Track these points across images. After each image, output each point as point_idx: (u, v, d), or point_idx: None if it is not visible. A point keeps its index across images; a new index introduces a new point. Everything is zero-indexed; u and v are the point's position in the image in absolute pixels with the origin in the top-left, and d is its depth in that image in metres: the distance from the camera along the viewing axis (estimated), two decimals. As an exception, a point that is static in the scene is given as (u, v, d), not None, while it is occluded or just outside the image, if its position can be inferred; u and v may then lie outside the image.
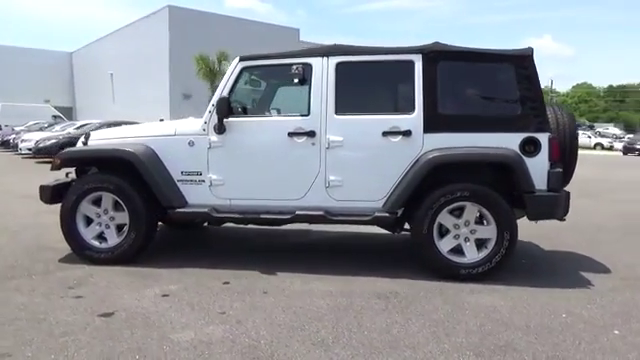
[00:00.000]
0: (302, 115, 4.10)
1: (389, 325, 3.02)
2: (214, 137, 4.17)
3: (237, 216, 4.19)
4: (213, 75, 23.28)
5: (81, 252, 4.29)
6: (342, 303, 3.38)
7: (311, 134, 4.04)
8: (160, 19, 27.95)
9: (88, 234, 4.32)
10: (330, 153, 4.04)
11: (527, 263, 4.51)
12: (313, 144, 4.06)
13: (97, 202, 4.31)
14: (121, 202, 4.22)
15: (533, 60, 3.96)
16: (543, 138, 3.88)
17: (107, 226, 4.31)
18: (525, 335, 2.90)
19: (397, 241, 5.36)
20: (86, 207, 4.30)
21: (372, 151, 4.03)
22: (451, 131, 3.93)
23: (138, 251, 4.26)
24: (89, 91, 36.64)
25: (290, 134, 4.08)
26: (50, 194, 4.32)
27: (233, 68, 4.22)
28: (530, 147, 3.88)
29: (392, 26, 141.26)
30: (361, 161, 4.04)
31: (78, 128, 18.04)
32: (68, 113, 32.94)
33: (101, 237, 4.33)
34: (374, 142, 4.01)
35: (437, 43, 4.05)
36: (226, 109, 4.02)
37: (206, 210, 4.17)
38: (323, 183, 4.07)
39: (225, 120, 4.12)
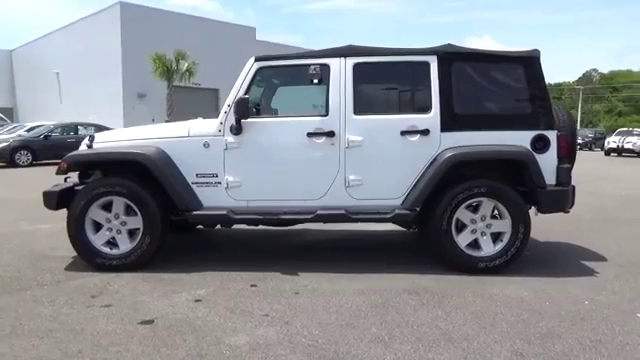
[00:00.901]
0: (321, 115, 4.12)
1: (434, 319, 3.10)
2: (230, 138, 4.12)
3: (256, 217, 4.15)
4: (170, 74, 22.69)
5: (91, 260, 4.12)
6: (378, 300, 3.43)
7: (330, 134, 4.07)
8: (111, 16, 26.90)
9: (98, 240, 4.15)
10: (349, 153, 4.08)
11: (530, 255, 4.73)
12: (332, 144, 4.09)
13: (106, 207, 4.15)
14: (134, 206, 4.08)
15: (540, 61, 4.17)
16: (552, 135, 4.10)
17: (118, 231, 4.16)
18: (561, 322, 3.07)
19: (400, 237, 5.49)
20: (95, 212, 4.13)
21: (391, 150, 4.11)
22: (466, 130, 4.07)
23: (152, 256, 4.14)
24: (32, 91, 34.73)
25: (309, 134, 4.09)
26: (56, 200, 4.12)
27: (248, 68, 4.18)
28: (540, 144, 4.08)
29: (340, 26, 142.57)
30: (380, 160, 4.11)
31: (29, 130, 17.12)
32: (8, 114, 31.11)
33: (111, 243, 4.18)
34: (393, 141, 4.09)
35: (450, 45, 4.18)
36: (246, 110, 3.97)
37: (224, 212, 4.11)
38: (343, 182, 4.11)
39: (243, 121, 4.07)
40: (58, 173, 4.19)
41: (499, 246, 4.08)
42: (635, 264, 4.44)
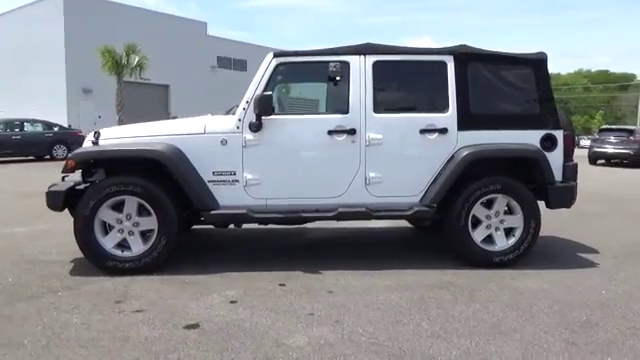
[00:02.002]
0: (341, 113, 4.11)
1: (475, 313, 3.18)
2: (249, 135, 4.02)
3: (277, 216, 4.08)
4: (120, 69, 21.68)
5: (102, 263, 3.90)
6: (413, 297, 3.47)
7: (352, 132, 4.07)
8: (53, 5, 25.29)
9: (108, 243, 3.93)
10: (370, 150, 4.10)
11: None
12: (353, 142, 4.09)
13: (116, 207, 3.94)
14: (149, 206, 3.90)
15: (547, 64, 4.37)
16: (559, 135, 4.31)
17: (130, 233, 3.96)
18: (592, 312, 3.23)
19: (399, 234, 5.58)
20: (105, 213, 3.91)
21: (410, 148, 4.17)
22: (481, 129, 4.19)
23: (167, 258, 3.97)
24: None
25: (330, 132, 4.07)
26: (63, 200, 3.86)
27: (267, 64, 4.09)
28: (548, 143, 4.28)
29: (283, 23, 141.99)
30: (399, 158, 4.16)
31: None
32: None
33: (122, 245, 3.97)
34: (412, 139, 4.15)
35: (465, 45, 4.29)
36: (269, 107, 3.89)
37: (244, 211, 4.01)
38: (363, 180, 4.12)
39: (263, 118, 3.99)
40: (65, 171, 3.93)
41: (512, 240, 4.24)
42: (626, 255, 4.74)
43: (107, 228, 4.00)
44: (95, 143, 4.04)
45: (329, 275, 3.92)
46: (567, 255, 4.74)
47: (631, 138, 17.96)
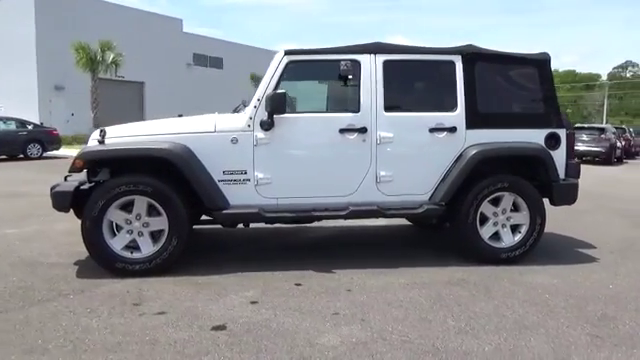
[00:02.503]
0: (352, 112, 4.11)
1: (496, 309, 3.23)
2: (260, 134, 3.98)
3: (288, 215, 4.06)
4: (95, 65, 21.15)
5: (110, 265, 3.80)
6: (431, 294, 3.50)
7: (363, 130, 4.07)
8: (24, 0, 24.53)
9: (117, 244, 3.84)
10: (380, 149, 4.12)
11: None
12: (364, 140, 4.09)
13: (124, 207, 3.85)
14: (159, 206, 3.82)
15: (550, 64, 4.47)
16: (562, 133, 4.41)
17: (140, 233, 3.87)
18: (606, 306, 3.32)
19: (395, 232, 5.62)
20: (114, 213, 3.81)
21: (420, 147, 4.20)
22: (488, 127, 4.26)
23: (177, 259, 3.90)
24: None
25: (342, 130, 4.06)
26: (70, 200, 3.74)
27: (278, 62, 4.05)
28: (552, 141, 4.38)
29: (255, 21, 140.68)
30: (410, 156, 4.18)
31: None
32: None
33: (130, 247, 3.88)
34: (422, 138, 4.19)
35: (472, 45, 4.35)
36: (283, 105, 3.86)
37: (256, 210, 3.97)
38: (374, 178, 4.14)
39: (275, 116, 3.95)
40: (72, 171, 3.81)
41: (518, 237, 4.32)
42: (621, 250, 4.89)
43: (115, 229, 3.91)
44: (101, 142, 3.93)
45: (342, 274, 3.92)
46: (567, 251, 4.85)
47: (602, 136, 18.53)
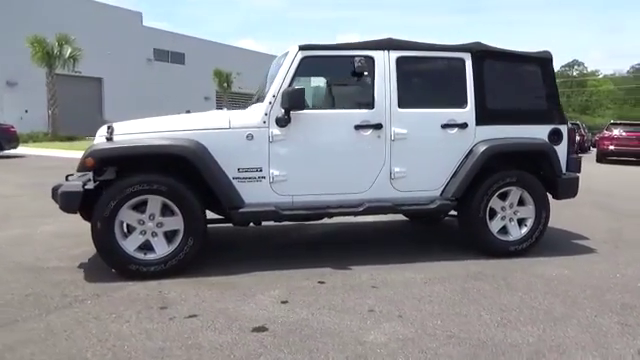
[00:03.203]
0: (367, 108, 4.10)
1: (522, 301, 3.30)
2: (276, 130, 3.91)
3: (305, 212, 4.02)
4: (52, 60, 20.21)
5: (124, 268, 3.65)
6: (455, 288, 3.55)
7: (378, 127, 4.07)
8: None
9: (129, 246, 3.68)
10: (394, 145, 4.13)
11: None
12: (379, 137, 4.10)
13: (137, 207, 3.69)
14: (174, 206, 3.69)
15: (553, 62, 4.60)
16: (564, 129, 4.56)
17: (154, 234, 3.72)
18: (622, 294, 3.46)
19: (398, 227, 5.67)
20: (126, 214, 3.66)
21: (432, 143, 4.24)
22: (496, 124, 4.35)
23: (193, 259, 3.79)
24: None
25: (357, 127, 4.05)
26: (80, 201, 3.55)
27: (293, 58, 3.99)
28: (555, 137, 4.52)
29: (213, 15, 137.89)
30: (422, 152, 4.22)
31: None
32: None
33: (144, 248, 3.73)
34: (434, 134, 4.23)
35: (480, 43, 4.42)
36: (302, 101, 3.80)
37: (273, 208, 3.90)
38: (388, 175, 4.15)
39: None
40: (82, 170, 3.62)
41: (524, 230, 4.43)
42: (613, 240, 5.12)
43: (125, 230, 3.75)
44: (109, 139, 3.75)
45: (360, 270, 3.91)
46: (564, 243, 5.02)
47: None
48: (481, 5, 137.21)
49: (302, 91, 3.78)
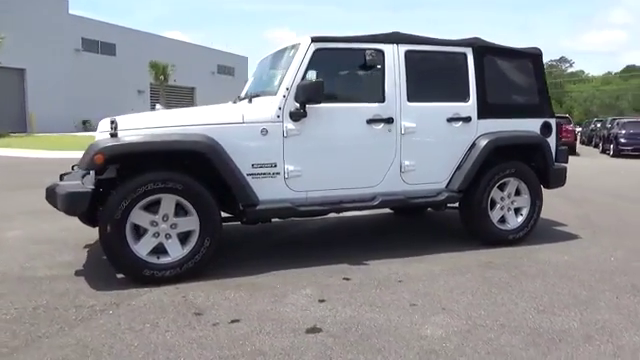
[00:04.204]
0: (377, 102, 4.08)
1: (544, 287, 3.43)
2: (290, 124, 3.80)
3: (320, 208, 3.94)
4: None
5: (138, 273, 3.40)
6: (477, 278, 3.62)
7: (389, 121, 4.07)
8: None
9: (142, 249, 3.43)
10: (404, 139, 4.15)
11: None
12: (389, 130, 4.10)
13: (148, 208, 3.45)
14: (189, 205, 3.48)
15: (542, 57, 4.82)
16: (553, 122, 4.80)
17: (167, 236, 3.49)
18: (628, 277, 3.67)
19: (385, 219, 5.74)
20: (138, 215, 3.40)
21: (439, 136, 4.31)
22: (495, 117, 4.49)
23: (209, 262, 3.60)
24: None
25: (369, 121, 4.02)
26: (88, 201, 3.25)
27: (305, 50, 3.87)
28: (546, 130, 4.74)
29: (136, 5, 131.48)
30: (430, 146, 4.27)
31: None
32: None
33: (157, 251, 3.49)
34: (441, 128, 4.30)
35: (479, 38, 4.53)
36: (321, 94, 3.69)
37: (289, 205, 3.79)
38: (398, 168, 4.16)
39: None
40: (90, 168, 3.30)
41: (520, 219, 4.62)
42: (588, 226, 5.47)
43: (135, 232, 3.49)
44: (114, 135, 3.46)
45: (376, 265, 3.89)
46: (548, 230, 5.27)
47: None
48: (409, 3, 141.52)
49: (321, 84, 3.69)
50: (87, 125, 27.73)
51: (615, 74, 77.00)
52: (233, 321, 2.83)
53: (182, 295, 3.23)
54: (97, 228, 3.82)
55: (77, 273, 3.70)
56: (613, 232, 5.18)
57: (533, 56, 4.77)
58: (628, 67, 76.12)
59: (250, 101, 4.08)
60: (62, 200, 3.28)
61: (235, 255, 4.19)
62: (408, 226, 5.59)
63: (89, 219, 3.70)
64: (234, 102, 4.44)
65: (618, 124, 19.80)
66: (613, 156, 18.29)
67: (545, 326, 2.79)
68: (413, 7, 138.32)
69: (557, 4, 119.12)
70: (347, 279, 3.57)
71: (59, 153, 14.12)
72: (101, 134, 3.53)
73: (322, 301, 3.14)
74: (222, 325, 2.77)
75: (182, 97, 36.13)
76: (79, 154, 3.58)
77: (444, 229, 5.39)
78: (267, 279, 3.55)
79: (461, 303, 3.13)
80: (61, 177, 3.72)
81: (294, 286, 3.41)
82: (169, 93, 32.18)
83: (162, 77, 28.37)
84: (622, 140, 18.65)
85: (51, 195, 3.50)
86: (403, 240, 4.83)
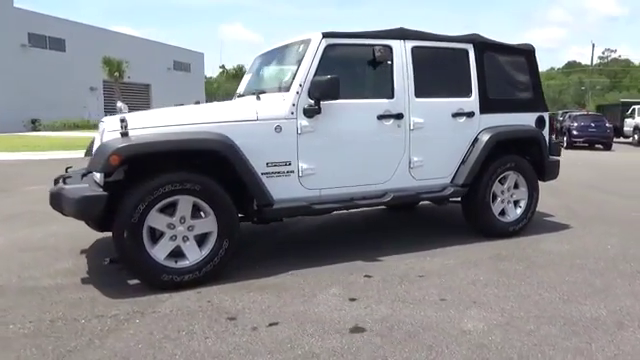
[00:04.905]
0: (387, 98, 4.08)
1: (559, 276, 3.54)
2: (304, 121, 3.73)
3: (334, 206, 3.91)
4: None
5: (156, 279, 3.25)
6: (492, 270, 3.69)
7: (399, 117, 4.08)
8: None
9: (159, 254, 3.29)
10: (413, 135, 4.17)
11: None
12: (399, 126, 4.11)
13: (164, 210, 3.31)
14: (207, 206, 3.37)
15: (536, 53, 4.96)
16: (546, 116, 4.95)
17: (185, 239, 3.36)
18: (630, 264, 3.85)
19: (379, 214, 5.77)
20: (155, 218, 3.25)
21: (445, 131, 4.35)
22: (495, 112, 4.58)
23: (227, 264, 3.50)
24: None
25: (380, 117, 4.02)
26: (104, 205, 3.08)
27: (317, 46, 3.81)
28: (540, 124, 4.89)
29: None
30: (437, 141, 4.31)
31: None
32: None
33: (174, 255, 3.36)
34: (447, 123, 4.35)
35: (478, 35, 4.61)
36: (337, 91, 3.64)
37: (305, 203, 3.74)
38: (407, 164, 4.18)
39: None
40: (106, 170, 3.11)
41: (519, 211, 4.75)
42: (574, 216, 5.68)
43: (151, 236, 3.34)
44: (124, 134, 3.28)
45: (390, 261, 3.91)
46: (538, 220, 5.40)
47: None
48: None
49: (337, 80, 3.64)
50: (37, 125, 26.37)
51: (558, 70, 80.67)
52: (271, 324, 2.75)
53: (207, 300, 3.12)
54: (96, 232, 3.68)
55: (84, 281, 3.51)
56: (599, 221, 5.40)
57: (527, 52, 4.90)
58: (569, 63, 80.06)
59: (258, 98, 3.99)
60: (75, 204, 3.10)
61: (245, 255, 4.08)
62: (404, 221, 5.63)
63: (99, 224, 3.50)
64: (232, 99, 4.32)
65: (570, 117, 20.77)
66: (567, 148, 19.14)
67: (576, 315, 2.87)
68: (359, 4, 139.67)
69: (499, 3, 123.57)
70: (368, 276, 3.56)
71: (10, 155, 13.36)
72: (110, 133, 3.34)
73: (353, 300, 3.11)
74: (262, 329, 2.69)
75: (137, 94, 35.01)
76: (33, 156, 3.37)
77: (440, 223, 5.47)
78: (288, 279, 3.49)
79: (489, 296, 3.18)
80: (56, 181, 3.51)
81: (318, 285, 3.36)
82: (123, 90, 31.09)
83: (117, 74, 27.31)
84: (574, 132, 19.58)
85: (57, 199, 3.30)
86: (405, 235, 4.86)
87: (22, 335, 2.66)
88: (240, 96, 4.65)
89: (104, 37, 32.54)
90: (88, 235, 4.58)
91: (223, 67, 57.34)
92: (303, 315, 2.87)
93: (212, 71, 68.89)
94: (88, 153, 4.42)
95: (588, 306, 3.01)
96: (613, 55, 78.74)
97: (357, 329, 2.69)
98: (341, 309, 2.96)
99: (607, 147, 19.26)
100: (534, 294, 3.21)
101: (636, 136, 22.01)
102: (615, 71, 73.57)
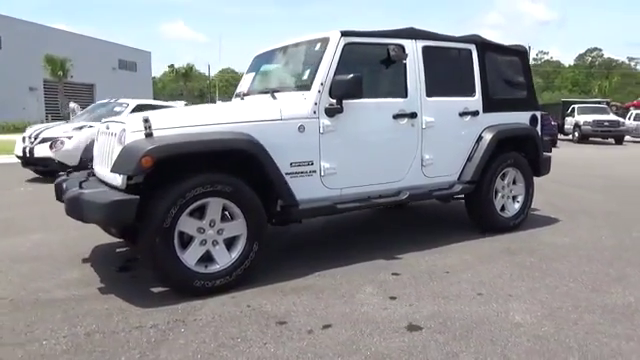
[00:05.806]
0: (400, 97, 4.12)
1: (572, 268, 3.69)
2: (326, 120, 3.70)
3: (356, 205, 3.90)
4: None
5: (188, 285, 3.12)
6: (509, 264, 3.80)
7: (413, 116, 4.13)
8: None
9: (190, 259, 3.15)
10: (425, 133, 4.23)
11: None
12: (412, 125, 4.16)
13: (194, 213, 3.18)
14: (236, 208, 3.26)
15: (528, 54, 5.16)
16: (539, 115, 5.17)
17: (214, 243, 3.25)
18: (629, 253, 4.08)
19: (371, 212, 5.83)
20: (185, 222, 3.12)
21: (453, 130, 4.45)
22: (495, 111, 4.73)
23: (257, 267, 3.41)
24: None
25: (395, 116, 4.05)
26: (135, 209, 2.91)
27: (336, 44, 3.78)
28: (534, 122, 5.10)
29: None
30: (445, 140, 4.39)
31: None
32: None
33: (203, 259, 3.23)
34: (454, 122, 4.45)
35: (478, 35, 4.74)
36: (360, 89, 3.63)
37: (329, 203, 3.71)
38: (420, 162, 4.24)
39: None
40: (137, 172, 2.94)
41: (517, 206, 4.94)
42: (561, 210, 5.94)
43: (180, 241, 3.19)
44: (149, 135, 3.11)
45: (410, 258, 3.95)
46: (529, 215, 5.67)
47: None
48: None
49: (360, 79, 3.63)
50: (-29, 126, 24.55)
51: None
52: (325, 326, 2.71)
53: (246, 304, 3.02)
54: (91, 239, 3.49)
55: (102, 291, 3.31)
56: (583, 215, 5.69)
57: (521, 53, 5.10)
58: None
59: (274, 97, 3.91)
60: (103, 209, 2.91)
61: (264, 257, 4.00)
62: (404, 218, 5.70)
63: (123, 230, 3.30)
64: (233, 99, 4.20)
65: None
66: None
67: (610, 303, 3.02)
68: (301, 4, 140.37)
69: (443, 9, 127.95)
70: (396, 274, 3.57)
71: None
72: (134, 134, 3.16)
73: (393, 298, 3.12)
74: (318, 332, 2.64)
75: (80, 94, 33.30)
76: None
77: (440, 220, 5.57)
78: (318, 281, 3.44)
79: (520, 289, 3.27)
80: (58, 185, 3.30)
81: (351, 285, 3.34)
82: (66, 90, 29.57)
83: (61, 73, 25.88)
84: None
85: (76, 205, 3.08)
86: (410, 232, 4.91)
87: (62, 351, 2.47)
88: (245, 95, 4.54)
89: (43, 34, 30.82)
90: (80, 243, 4.41)
91: (172, 66, 55.69)
92: (352, 316, 2.84)
93: (156, 71, 66.74)
94: (85, 155, 4.19)
95: (615, 295, 3.17)
96: (546, 57, 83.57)
97: (413, 327, 2.69)
98: (386, 308, 2.96)
99: (553, 144, 20.33)
100: (561, 285, 3.34)
101: (576, 133, 23.39)
102: (548, 72, 78.05)
